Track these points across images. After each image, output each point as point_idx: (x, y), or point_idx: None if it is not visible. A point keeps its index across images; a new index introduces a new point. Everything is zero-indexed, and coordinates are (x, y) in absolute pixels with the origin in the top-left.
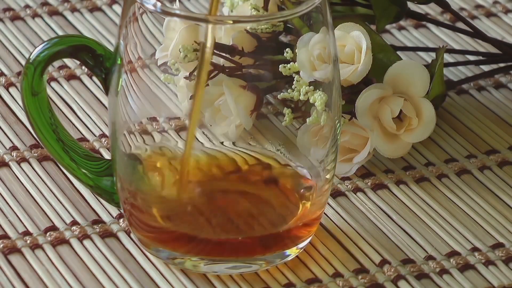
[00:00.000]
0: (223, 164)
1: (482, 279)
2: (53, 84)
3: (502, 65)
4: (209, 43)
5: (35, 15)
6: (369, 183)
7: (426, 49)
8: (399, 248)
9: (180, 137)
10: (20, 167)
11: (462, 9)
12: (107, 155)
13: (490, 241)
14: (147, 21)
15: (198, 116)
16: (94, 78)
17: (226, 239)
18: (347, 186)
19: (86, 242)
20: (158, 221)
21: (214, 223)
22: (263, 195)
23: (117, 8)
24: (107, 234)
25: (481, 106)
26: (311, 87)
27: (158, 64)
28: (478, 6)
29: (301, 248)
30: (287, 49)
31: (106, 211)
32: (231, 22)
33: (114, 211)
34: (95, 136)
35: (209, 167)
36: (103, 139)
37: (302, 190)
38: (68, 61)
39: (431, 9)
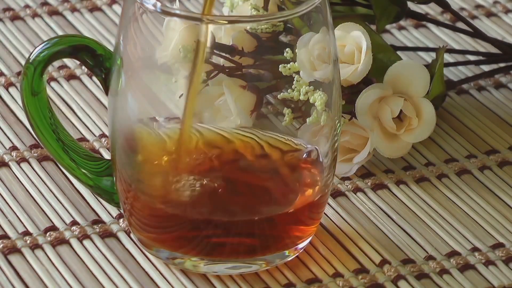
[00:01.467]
0: (224, 149)
1: (482, 279)
2: (53, 84)
3: (502, 65)
4: (206, 42)
5: (35, 15)
6: (369, 183)
7: (426, 49)
8: (399, 248)
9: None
10: (20, 167)
11: (462, 9)
12: (107, 155)
13: (490, 241)
14: (147, 21)
15: (192, 115)
16: (94, 78)
17: (226, 239)
18: (347, 186)
19: (86, 242)
20: (159, 210)
21: (214, 209)
22: (262, 179)
23: (117, 8)
24: (107, 234)
25: (481, 106)
26: (311, 87)
27: (158, 64)
28: (478, 6)
29: (301, 249)
30: (287, 49)
31: (106, 211)
32: (231, 22)
33: (114, 211)
34: (95, 136)
35: (211, 152)
36: (103, 139)
37: (303, 172)
38: (68, 61)
39: (431, 9)
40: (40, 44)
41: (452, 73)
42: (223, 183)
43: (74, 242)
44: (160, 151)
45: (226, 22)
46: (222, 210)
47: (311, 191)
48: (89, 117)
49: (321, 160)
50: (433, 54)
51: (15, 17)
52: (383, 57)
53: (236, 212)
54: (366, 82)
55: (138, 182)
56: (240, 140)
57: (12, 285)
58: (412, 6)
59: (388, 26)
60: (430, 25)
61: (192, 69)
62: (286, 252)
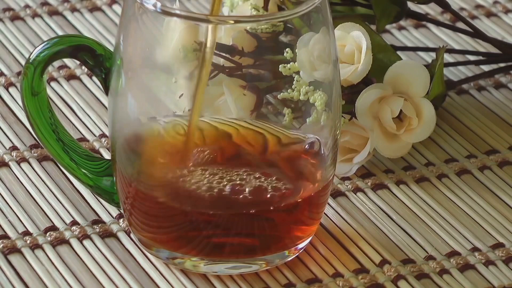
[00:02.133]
0: (223, 146)
1: (482, 279)
2: (53, 84)
3: (502, 65)
4: (209, 43)
5: (35, 15)
6: (369, 183)
7: (426, 49)
8: (399, 248)
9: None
10: (20, 167)
11: (462, 9)
12: (107, 155)
13: (490, 241)
14: (147, 21)
15: (198, 117)
16: (94, 78)
17: (226, 239)
18: (347, 186)
19: (86, 242)
20: (159, 210)
21: (215, 208)
22: (263, 174)
23: (117, 8)
24: (107, 234)
25: (481, 106)
26: (311, 87)
27: (158, 64)
28: (478, 6)
29: (301, 249)
30: (287, 49)
31: (106, 211)
32: (231, 22)
33: (114, 211)
34: (95, 136)
35: (211, 149)
36: (103, 139)
37: (305, 164)
38: (68, 61)
39: (431, 9)
40: (40, 44)
41: (452, 73)
42: (223, 181)
43: (74, 242)
44: (160, 151)
45: (228, 22)
46: (223, 208)
47: (311, 190)
48: (89, 117)
49: (322, 156)
50: (433, 54)
51: (15, 17)
52: (383, 57)
53: (237, 209)
54: (366, 82)
55: (138, 182)
56: (240, 136)
57: (12, 285)
58: (412, 6)
59: (388, 26)
60: (430, 25)
61: (200, 68)
62: (286, 252)
